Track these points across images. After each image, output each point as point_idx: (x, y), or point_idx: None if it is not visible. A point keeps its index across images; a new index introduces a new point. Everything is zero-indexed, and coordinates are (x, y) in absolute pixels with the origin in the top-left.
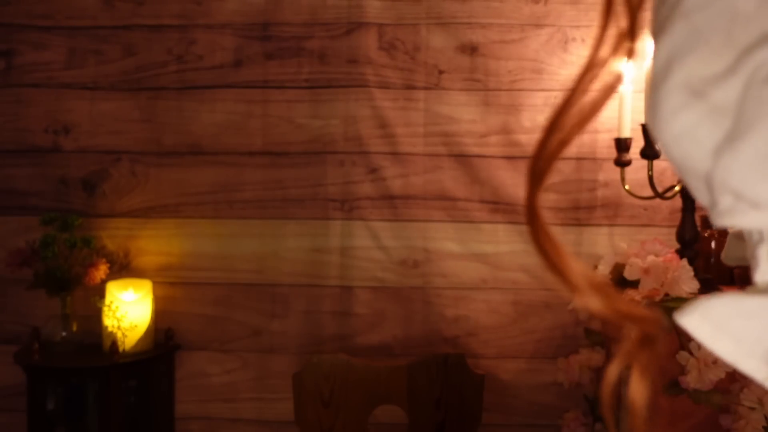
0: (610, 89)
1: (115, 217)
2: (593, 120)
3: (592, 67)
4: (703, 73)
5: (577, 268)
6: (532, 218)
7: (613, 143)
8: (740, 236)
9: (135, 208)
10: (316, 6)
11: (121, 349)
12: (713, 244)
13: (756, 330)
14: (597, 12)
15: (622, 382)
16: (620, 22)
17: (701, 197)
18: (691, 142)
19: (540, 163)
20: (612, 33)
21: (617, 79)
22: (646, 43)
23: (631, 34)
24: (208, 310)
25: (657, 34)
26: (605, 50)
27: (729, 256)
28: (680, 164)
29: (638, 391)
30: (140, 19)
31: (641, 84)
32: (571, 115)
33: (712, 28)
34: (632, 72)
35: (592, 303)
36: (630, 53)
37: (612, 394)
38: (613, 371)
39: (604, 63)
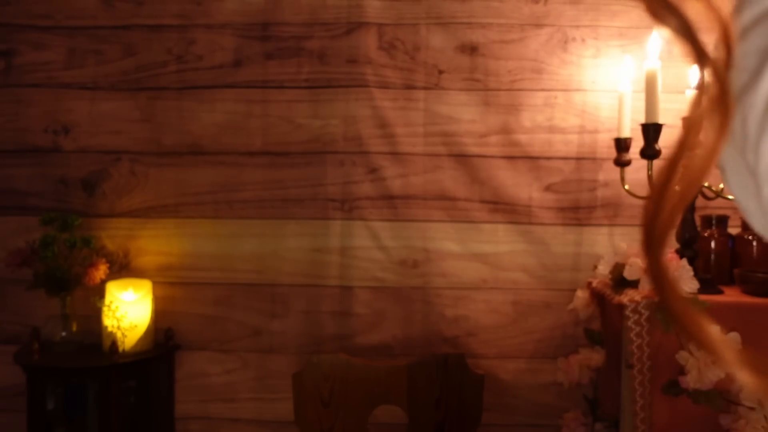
0: (714, 150)
1: (115, 217)
2: (704, 180)
3: (691, 129)
4: None
5: (720, 338)
6: (661, 287)
7: (613, 143)
8: None
9: (135, 208)
10: (316, 6)
11: (120, 349)
12: (713, 244)
13: None
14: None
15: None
16: (710, 84)
17: None
18: None
19: (656, 231)
20: (706, 94)
21: (719, 138)
22: (648, 43)
23: (722, 98)
24: (208, 310)
25: (755, 74)
26: (700, 112)
27: None
28: None
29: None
30: (140, 19)
31: (641, 84)
32: (679, 178)
33: None
34: (632, 72)
35: (746, 379)
36: (725, 114)
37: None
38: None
39: (701, 124)
